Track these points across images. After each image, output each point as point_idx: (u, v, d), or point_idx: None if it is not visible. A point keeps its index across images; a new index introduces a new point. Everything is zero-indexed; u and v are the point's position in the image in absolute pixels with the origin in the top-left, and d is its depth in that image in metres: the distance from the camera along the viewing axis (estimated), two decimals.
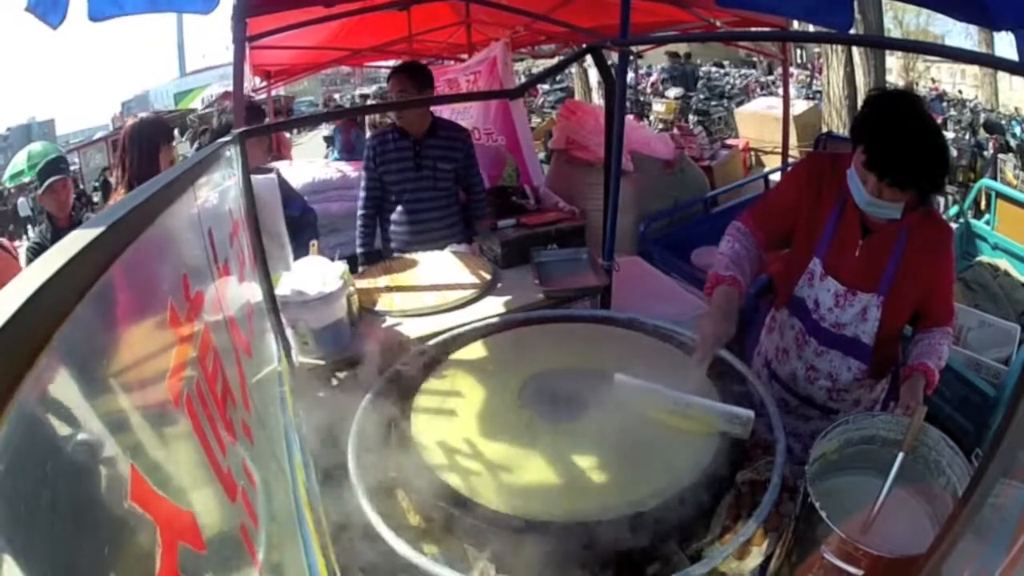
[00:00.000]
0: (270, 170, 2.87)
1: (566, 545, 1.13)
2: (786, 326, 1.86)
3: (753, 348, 2.07)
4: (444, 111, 5.26)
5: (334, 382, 1.95)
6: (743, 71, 16.30)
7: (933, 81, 17.25)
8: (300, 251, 2.11)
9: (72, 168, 12.31)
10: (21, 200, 11.68)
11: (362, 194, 3.04)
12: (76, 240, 0.52)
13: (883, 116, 1.49)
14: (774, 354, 1.93)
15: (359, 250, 3.04)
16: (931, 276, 1.64)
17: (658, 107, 10.98)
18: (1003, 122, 8.23)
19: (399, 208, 2.96)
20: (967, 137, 7.69)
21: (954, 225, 3.74)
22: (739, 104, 10.74)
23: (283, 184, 2.89)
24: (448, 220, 3.04)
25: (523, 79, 7.53)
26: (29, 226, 11.16)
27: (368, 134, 4.30)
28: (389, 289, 2.29)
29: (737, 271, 1.67)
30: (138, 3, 1.90)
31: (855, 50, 7.19)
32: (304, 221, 2.88)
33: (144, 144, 2.37)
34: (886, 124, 1.47)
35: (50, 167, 3.27)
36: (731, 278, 1.64)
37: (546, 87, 13.95)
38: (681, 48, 13.34)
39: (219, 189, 1.27)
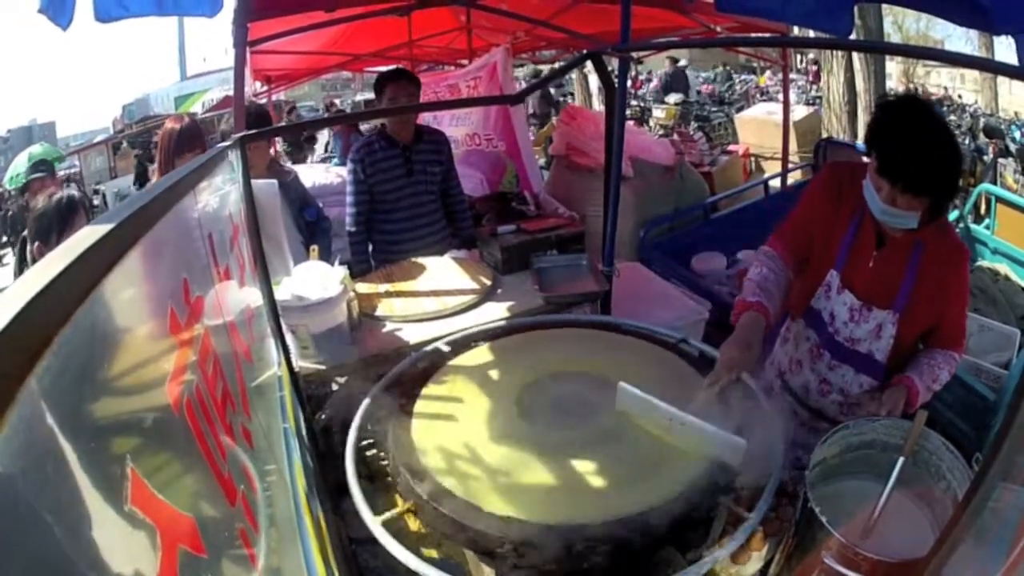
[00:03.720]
0: (290, 173, 2.90)
1: (564, 549, 1.13)
2: (801, 337, 1.83)
3: (766, 358, 2.02)
4: (444, 116, 5.27)
5: (334, 387, 1.95)
6: (743, 77, 16.33)
7: (934, 85, 17.27)
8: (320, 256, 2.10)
9: (72, 171, 12.35)
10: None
11: (351, 210, 2.88)
12: (79, 243, 0.52)
13: (893, 121, 1.48)
14: (787, 365, 1.90)
15: (355, 268, 2.78)
16: (944, 294, 1.61)
17: (658, 113, 10.97)
18: (1003, 126, 8.20)
19: (395, 216, 2.91)
20: (967, 141, 7.67)
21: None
22: (739, 110, 10.71)
23: (300, 188, 2.90)
24: (442, 223, 3.04)
25: (523, 85, 7.54)
26: None
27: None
28: (389, 294, 2.29)
29: (764, 296, 1.63)
30: (144, 5, 1.90)
31: (855, 55, 7.21)
32: (320, 227, 2.89)
33: (171, 150, 2.44)
34: (896, 129, 1.46)
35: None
36: (757, 304, 1.60)
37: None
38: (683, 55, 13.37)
39: (219, 193, 1.27)
